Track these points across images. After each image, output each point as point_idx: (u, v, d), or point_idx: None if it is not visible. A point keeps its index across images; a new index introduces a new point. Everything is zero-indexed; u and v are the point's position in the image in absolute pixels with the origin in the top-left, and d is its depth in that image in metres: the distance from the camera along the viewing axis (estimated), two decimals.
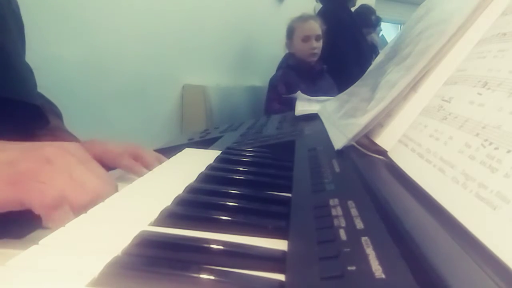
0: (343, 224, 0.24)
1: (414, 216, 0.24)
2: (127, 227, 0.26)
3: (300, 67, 1.89)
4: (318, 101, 0.93)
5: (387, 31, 4.30)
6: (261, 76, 2.25)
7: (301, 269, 0.20)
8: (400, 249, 0.20)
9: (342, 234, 0.23)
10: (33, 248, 0.23)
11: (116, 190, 0.34)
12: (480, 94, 0.25)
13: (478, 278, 0.16)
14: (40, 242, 0.23)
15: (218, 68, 1.98)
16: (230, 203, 0.31)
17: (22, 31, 0.51)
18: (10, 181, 0.29)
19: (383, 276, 0.18)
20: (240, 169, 0.42)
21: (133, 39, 1.45)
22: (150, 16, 1.52)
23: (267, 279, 0.21)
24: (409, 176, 0.28)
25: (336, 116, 0.57)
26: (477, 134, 0.23)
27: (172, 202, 0.32)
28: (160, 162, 0.48)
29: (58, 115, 0.60)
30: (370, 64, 0.81)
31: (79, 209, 0.29)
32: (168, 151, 0.53)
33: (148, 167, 0.46)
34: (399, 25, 5.12)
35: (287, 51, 2.01)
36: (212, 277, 0.20)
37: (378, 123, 0.40)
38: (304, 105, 0.91)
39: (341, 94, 0.78)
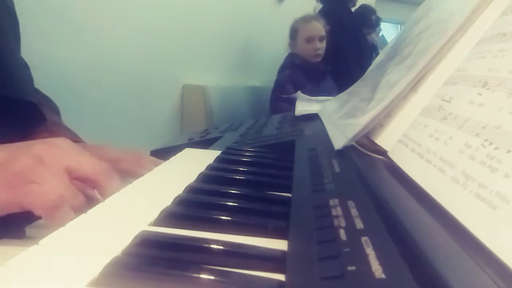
0: (343, 224, 0.24)
1: (414, 216, 0.24)
2: (127, 227, 0.26)
3: (306, 67, 1.89)
4: (318, 101, 0.93)
5: (387, 31, 4.30)
6: (261, 76, 2.26)
7: (301, 269, 0.20)
8: (400, 249, 0.20)
9: (342, 234, 0.23)
10: (33, 248, 0.23)
11: (114, 174, 0.34)
12: (480, 94, 0.25)
13: (478, 278, 0.16)
14: (40, 242, 0.23)
15: (218, 68, 1.98)
16: (230, 203, 0.31)
17: (17, 27, 0.51)
18: (6, 185, 0.29)
19: (383, 276, 0.18)
20: (240, 169, 0.42)
21: (133, 39, 1.45)
22: (150, 16, 1.52)
23: (267, 279, 0.21)
24: (409, 176, 0.28)
25: (336, 116, 0.57)
26: (477, 134, 0.23)
27: (172, 202, 0.31)
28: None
29: (55, 111, 0.59)
30: (370, 64, 0.81)
31: (79, 205, 0.29)
32: (168, 151, 0.53)
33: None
34: (399, 25, 5.13)
35: (289, 51, 2.01)
36: (212, 277, 0.20)
37: (378, 123, 0.40)
38: (304, 105, 0.91)
39: (341, 94, 0.78)
